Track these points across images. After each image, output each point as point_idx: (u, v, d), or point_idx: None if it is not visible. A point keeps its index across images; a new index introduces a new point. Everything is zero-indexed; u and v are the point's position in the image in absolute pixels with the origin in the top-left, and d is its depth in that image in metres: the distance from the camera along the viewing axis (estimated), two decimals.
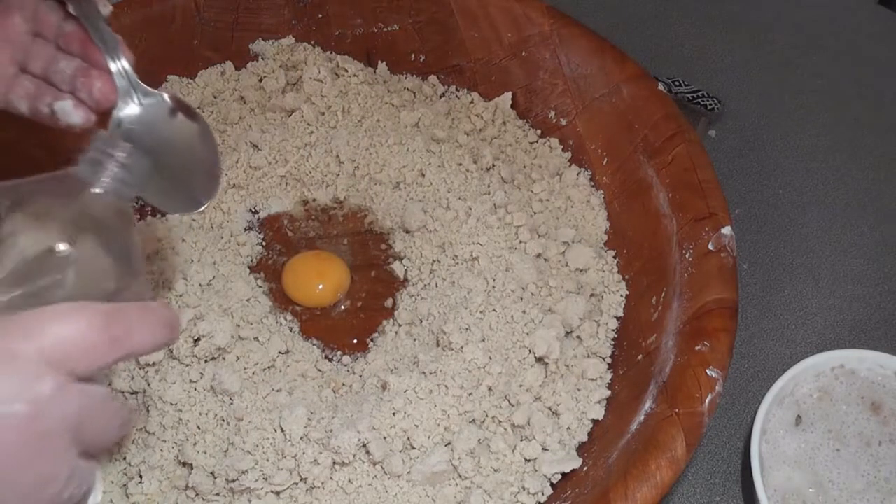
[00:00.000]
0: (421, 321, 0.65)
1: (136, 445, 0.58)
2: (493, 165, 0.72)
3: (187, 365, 0.60)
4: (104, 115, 0.50)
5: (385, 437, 0.57)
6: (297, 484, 0.56)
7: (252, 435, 0.56)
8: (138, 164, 0.43)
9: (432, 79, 0.78)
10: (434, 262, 0.68)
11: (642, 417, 0.56)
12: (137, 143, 0.44)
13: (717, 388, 0.54)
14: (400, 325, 0.66)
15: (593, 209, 0.70)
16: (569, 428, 0.59)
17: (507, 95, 0.76)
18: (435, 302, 0.65)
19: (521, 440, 0.58)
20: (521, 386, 0.60)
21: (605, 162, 0.71)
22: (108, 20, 0.48)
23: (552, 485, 0.57)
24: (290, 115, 0.75)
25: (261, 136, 0.73)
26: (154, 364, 0.60)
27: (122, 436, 0.38)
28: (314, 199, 0.73)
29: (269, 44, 0.78)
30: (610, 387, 0.61)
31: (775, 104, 0.86)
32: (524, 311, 0.63)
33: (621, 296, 0.66)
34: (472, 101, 0.77)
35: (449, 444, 0.57)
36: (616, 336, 0.64)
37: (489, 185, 0.71)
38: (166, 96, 0.50)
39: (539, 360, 0.61)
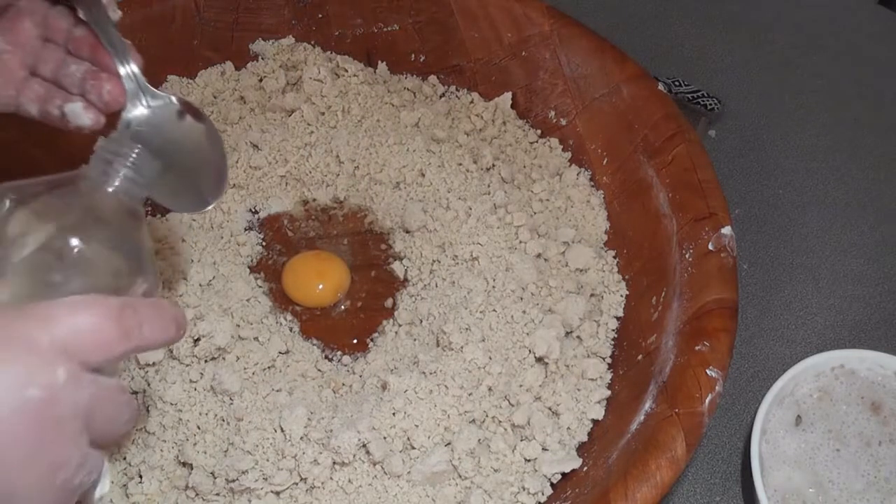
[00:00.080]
0: (421, 321, 0.65)
1: (136, 445, 0.58)
2: (493, 165, 0.72)
3: (187, 365, 0.60)
4: (113, 117, 0.50)
5: (385, 437, 0.57)
6: (297, 484, 0.56)
7: (252, 435, 0.56)
8: (148, 164, 0.44)
9: (432, 79, 0.78)
10: (434, 262, 0.68)
11: (642, 417, 0.56)
12: (146, 144, 0.46)
13: (717, 388, 0.54)
14: (400, 325, 0.66)
15: (593, 209, 0.70)
16: (569, 428, 0.59)
17: (507, 95, 0.76)
18: (435, 302, 0.65)
19: (521, 440, 0.58)
20: (521, 386, 0.60)
21: (605, 162, 0.71)
22: (117, 25, 0.49)
23: (552, 485, 0.57)
24: (290, 115, 0.75)
25: (261, 136, 0.73)
26: (154, 364, 0.60)
27: (130, 429, 0.39)
28: (314, 199, 0.73)
29: (269, 44, 0.78)
30: (610, 387, 0.61)
31: (775, 104, 0.86)
32: (524, 311, 0.63)
33: (621, 296, 0.66)
34: (472, 101, 0.77)
35: (449, 444, 0.57)
36: (616, 336, 0.64)
37: (489, 185, 0.71)
38: (174, 99, 0.51)
39: (539, 360, 0.61)
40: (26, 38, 0.48)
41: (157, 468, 0.57)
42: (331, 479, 0.56)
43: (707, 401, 0.53)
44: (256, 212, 0.72)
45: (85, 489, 0.36)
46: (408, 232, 0.70)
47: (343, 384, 0.63)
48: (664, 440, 0.52)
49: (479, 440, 0.57)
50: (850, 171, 0.81)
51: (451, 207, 0.69)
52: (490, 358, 0.60)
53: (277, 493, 0.56)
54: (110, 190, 0.44)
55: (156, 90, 0.50)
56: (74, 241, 0.40)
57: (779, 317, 0.72)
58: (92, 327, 0.35)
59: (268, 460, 0.56)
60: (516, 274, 0.65)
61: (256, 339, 0.63)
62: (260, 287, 0.68)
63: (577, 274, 0.67)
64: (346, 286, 0.69)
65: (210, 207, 0.53)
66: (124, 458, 0.58)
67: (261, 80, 0.77)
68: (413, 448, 0.57)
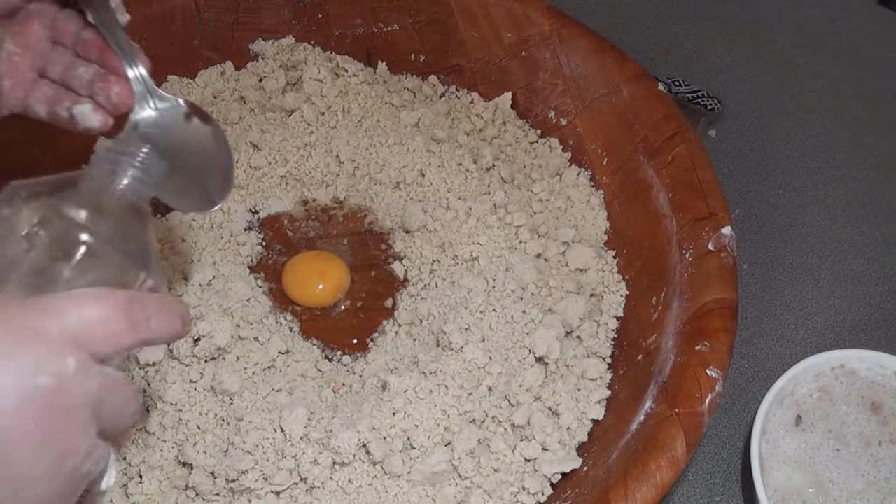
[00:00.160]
0: (421, 321, 0.65)
1: (136, 445, 0.58)
2: (493, 165, 0.72)
3: (187, 365, 0.60)
4: (120, 118, 0.51)
5: (385, 437, 0.57)
6: (297, 484, 0.56)
7: (252, 435, 0.57)
8: (156, 164, 0.45)
9: (432, 79, 0.78)
10: (434, 262, 0.68)
11: (642, 417, 0.56)
12: (154, 145, 0.47)
13: (717, 388, 0.54)
14: (400, 325, 0.66)
15: (593, 209, 0.70)
16: (569, 428, 0.59)
17: (507, 95, 0.76)
18: (435, 302, 0.65)
19: (521, 440, 0.58)
20: (521, 386, 0.60)
21: (605, 162, 0.71)
22: (125, 28, 0.50)
23: (552, 485, 0.57)
24: (290, 115, 0.75)
25: (261, 136, 0.73)
26: (154, 364, 0.60)
27: (136, 421, 0.40)
28: (314, 199, 0.73)
29: (269, 44, 0.78)
30: (610, 387, 0.61)
31: (775, 104, 0.86)
32: (524, 311, 0.63)
33: (621, 296, 0.66)
34: (472, 101, 0.77)
35: (449, 444, 0.57)
36: (616, 336, 0.64)
37: (489, 185, 0.71)
38: (181, 101, 0.52)
39: (539, 360, 0.61)
40: (36, 41, 0.49)
41: (157, 468, 0.57)
42: (331, 479, 0.56)
43: (707, 401, 0.53)
44: (256, 212, 0.72)
45: (92, 479, 0.36)
46: (408, 232, 0.70)
47: (343, 384, 0.63)
48: (664, 440, 0.52)
49: (479, 440, 0.57)
50: (850, 171, 0.81)
51: (451, 207, 0.69)
52: (490, 358, 0.60)
53: (277, 493, 0.56)
54: (119, 188, 0.45)
55: (163, 92, 0.51)
56: (84, 237, 0.41)
57: (779, 317, 0.72)
58: (101, 319, 0.35)
59: (268, 460, 0.56)
60: (516, 274, 0.65)
61: (256, 339, 0.63)
62: (260, 287, 0.68)
63: (577, 274, 0.67)
64: (346, 286, 0.69)
65: (216, 208, 0.54)
66: (124, 458, 0.58)
67: (261, 80, 0.77)
68: (413, 448, 0.57)
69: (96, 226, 0.42)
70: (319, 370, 0.64)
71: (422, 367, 0.60)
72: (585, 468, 0.57)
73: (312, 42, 0.78)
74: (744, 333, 0.71)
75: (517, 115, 0.76)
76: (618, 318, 0.65)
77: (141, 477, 0.57)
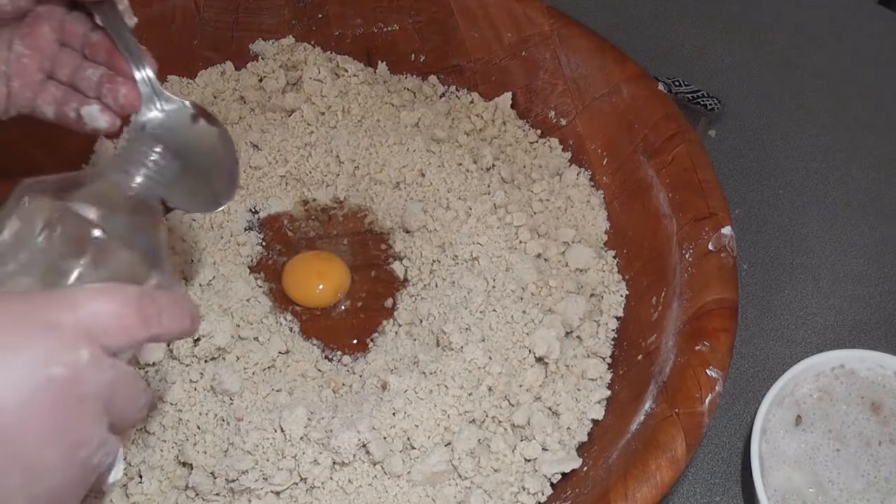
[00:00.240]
0: (421, 321, 0.65)
1: (136, 445, 0.58)
2: (493, 165, 0.72)
3: (187, 365, 0.60)
4: (128, 120, 0.52)
5: (385, 437, 0.57)
6: (297, 484, 0.56)
7: (252, 435, 0.56)
8: (168, 165, 0.47)
9: (432, 79, 0.78)
10: (434, 262, 0.68)
11: (642, 417, 0.56)
12: (162, 146, 0.47)
13: (717, 388, 0.54)
14: (400, 325, 0.66)
15: (593, 209, 0.70)
16: (569, 428, 0.59)
17: (507, 95, 0.76)
18: (435, 302, 0.65)
19: (521, 440, 0.58)
20: (521, 386, 0.60)
21: (605, 162, 0.71)
22: (132, 31, 0.50)
23: (552, 485, 0.57)
24: (290, 115, 0.75)
25: (261, 136, 0.73)
26: (154, 364, 0.60)
27: (145, 415, 0.40)
28: (314, 199, 0.73)
29: (269, 44, 0.78)
30: (610, 387, 0.61)
31: (775, 104, 0.86)
32: (524, 311, 0.63)
33: (621, 296, 0.66)
34: (472, 101, 0.77)
35: (449, 444, 0.57)
36: (616, 336, 0.64)
37: (489, 185, 0.71)
38: (188, 103, 0.52)
39: (539, 360, 0.61)
40: (44, 43, 0.50)
41: (157, 468, 0.57)
42: (331, 479, 0.56)
43: (707, 401, 0.53)
44: (256, 212, 0.72)
45: (102, 470, 0.37)
46: (408, 232, 0.70)
47: (343, 384, 0.63)
48: (664, 440, 0.52)
49: (479, 440, 0.57)
50: (850, 171, 0.81)
51: (451, 207, 0.69)
52: (490, 358, 0.60)
53: (277, 493, 0.56)
54: (132, 187, 0.46)
55: (170, 94, 0.51)
56: (96, 234, 0.42)
57: (779, 317, 0.72)
58: (113, 313, 0.36)
59: (268, 460, 0.56)
60: (516, 274, 0.65)
61: (256, 339, 0.63)
62: (260, 287, 0.68)
63: (577, 274, 0.67)
64: (346, 286, 0.69)
65: (222, 208, 0.55)
66: (124, 459, 0.58)
67: (261, 80, 0.77)
68: (413, 448, 0.57)
69: (108, 223, 0.42)
70: (319, 370, 0.64)
71: (422, 367, 0.60)
72: (585, 468, 0.57)
73: (312, 42, 0.78)
74: (744, 333, 0.71)
75: (517, 115, 0.76)
76: (618, 318, 0.65)
77: (141, 477, 0.57)
